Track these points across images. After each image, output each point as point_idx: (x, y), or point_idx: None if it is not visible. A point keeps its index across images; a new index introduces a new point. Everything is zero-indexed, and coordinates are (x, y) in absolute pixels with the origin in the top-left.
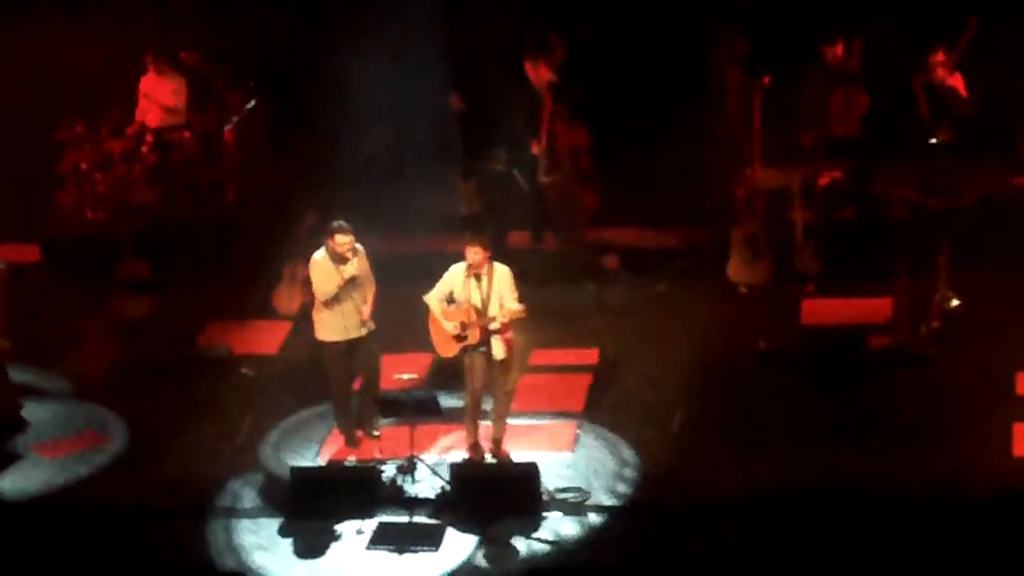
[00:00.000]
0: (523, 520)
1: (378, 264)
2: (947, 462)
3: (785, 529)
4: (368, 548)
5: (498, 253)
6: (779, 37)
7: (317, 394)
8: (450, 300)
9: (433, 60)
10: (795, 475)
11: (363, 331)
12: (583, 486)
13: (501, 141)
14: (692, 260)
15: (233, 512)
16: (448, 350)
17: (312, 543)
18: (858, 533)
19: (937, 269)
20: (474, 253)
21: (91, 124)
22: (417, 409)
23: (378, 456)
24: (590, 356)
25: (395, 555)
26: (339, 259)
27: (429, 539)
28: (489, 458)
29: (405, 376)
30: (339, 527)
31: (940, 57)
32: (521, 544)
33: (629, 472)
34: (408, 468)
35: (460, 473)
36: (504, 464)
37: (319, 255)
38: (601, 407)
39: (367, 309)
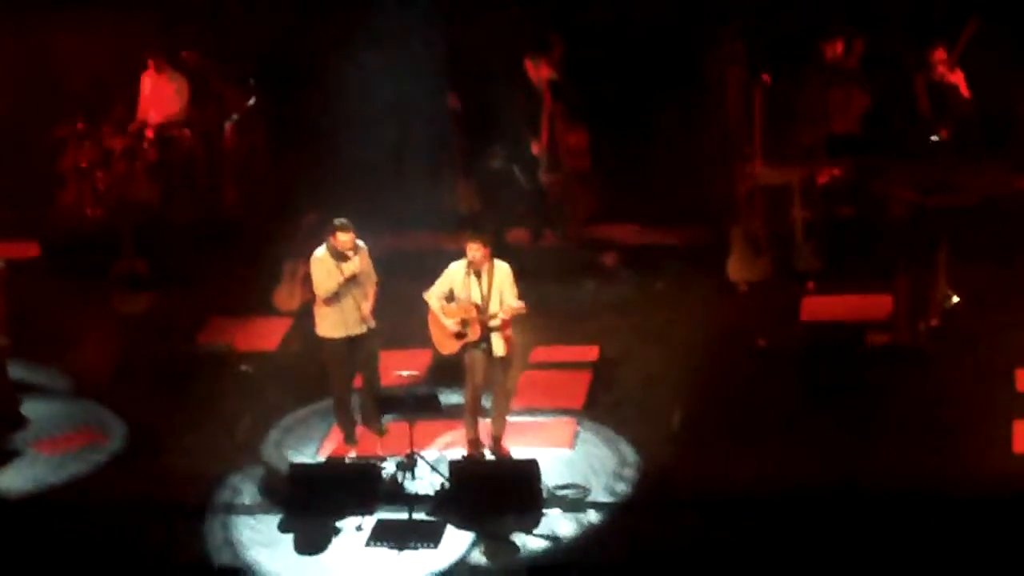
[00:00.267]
0: (523, 517)
1: (378, 261)
2: (947, 459)
3: (784, 526)
4: (367, 545)
5: (498, 251)
6: (779, 35)
7: (317, 391)
8: (450, 297)
9: (432, 59)
10: (795, 472)
11: (363, 328)
12: (583, 483)
13: (500, 139)
14: (692, 258)
15: (233, 508)
16: (448, 347)
17: (312, 540)
18: (858, 530)
19: (937, 267)
20: (474, 250)
21: (91, 121)
22: (417, 406)
23: (378, 453)
24: (590, 353)
25: (394, 552)
26: (340, 256)
27: (428, 536)
28: (489, 455)
29: (405, 373)
30: (339, 524)
31: (941, 55)
32: (520, 541)
33: (628, 469)
34: (408, 465)
35: (460, 470)
36: (504, 461)
37: (320, 252)
38: (601, 404)
39: (367, 306)
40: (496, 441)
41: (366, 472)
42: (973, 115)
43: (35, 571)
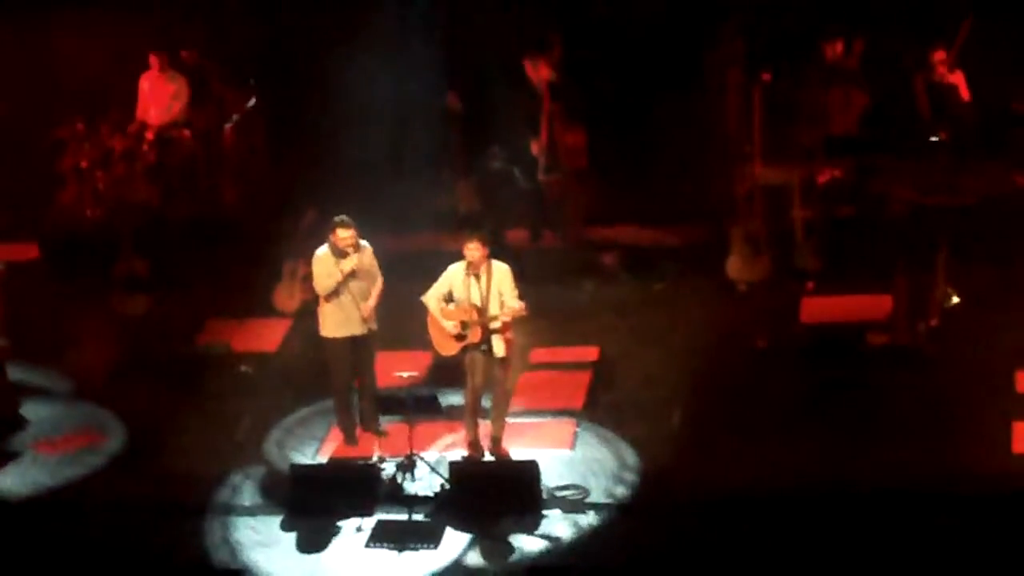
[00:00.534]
0: (522, 518)
1: (377, 261)
2: (946, 459)
3: (784, 526)
4: (367, 546)
5: (497, 251)
6: (779, 35)
7: (316, 392)
8: (449, 299)
9: (431, 59)
10: (794, 472)
11: (364, 329)
12: (582, 484)
13: (499, 139)
14: (691, 258)
15: (232, 509)
16: (448, 349)
17: (311, 540)
18: (857, 530)
19: (936, 267)
20: (472, 250)
21: (91, 122)
22: (417, 407)
23: (378, 454)
24: (589, 354)
25: (394, 553)
26: (341, 254)
27: (428, 537)
28: (488, 456)
29: (405, 374)
30: (338, 524)
31: (940, 55)
32: (520, 542)
33: (628, 470)
34: (408, 466)
35: (459, 471)
36: (503, 462)
37: (322, 251)
38: (600, 405)
39: (367, 307)
40: (496, 442)
41: (366, 473)
42: (972, 115)
43: (35, 571)
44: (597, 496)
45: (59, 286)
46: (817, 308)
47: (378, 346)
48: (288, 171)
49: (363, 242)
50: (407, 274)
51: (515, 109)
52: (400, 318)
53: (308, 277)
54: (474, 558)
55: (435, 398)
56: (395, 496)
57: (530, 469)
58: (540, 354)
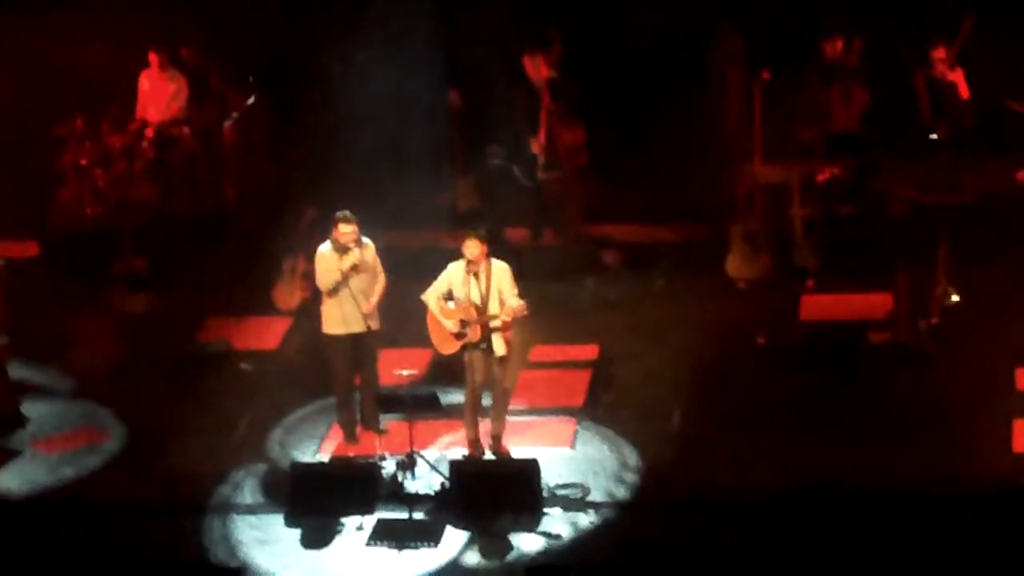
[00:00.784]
0: (523, 516)
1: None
2: (947, 458)
3: (784, 524)
4: (368, 544)
5: (497, 249)
6: (779, 33)
7: (316, 389)
8: (449, 297)
9: (431, 56)
10: (794, 471)
11: (365, 326)
12: (582, 482)
13: (499, 137)
14: (691, 256)
15: (232, 508)
16: (448, 348)
17: (312, 539)
18: (858, 528)
19: (936, 265)
20: (471, 247)
21: (91, 120)
22: (416, 405)
23: (379, 452)
24: (589, 352)
25: (394, 551)
26: (343, 250)
27: (428, 535)
28: (489, 454)
29: (405, 372)
30: (339, 523)
31: (941, 53)
32: (520, 540)
33: (628, 468)
34: (408, 464)
35: (460, 469)
36: (504, 460)
37: (324, 247)
38: (600, 403)
39: (367, 304)
40: (496, 440)
41: (367, 471)
42: (972, 113)
43: (35, 571)
44: (597, 494)
45: (59, 284)
46: (817, 306)
47: (380, 344)
48: (288, 169)
49: (365, 239)
50: (407, 272)
51: (515, 107)
52: (400, 316)
53: (308, 275)
54: (474, 556)
55: (435, 396)
56: (396, 494)
57: (530, 467)
58: (540, 352)
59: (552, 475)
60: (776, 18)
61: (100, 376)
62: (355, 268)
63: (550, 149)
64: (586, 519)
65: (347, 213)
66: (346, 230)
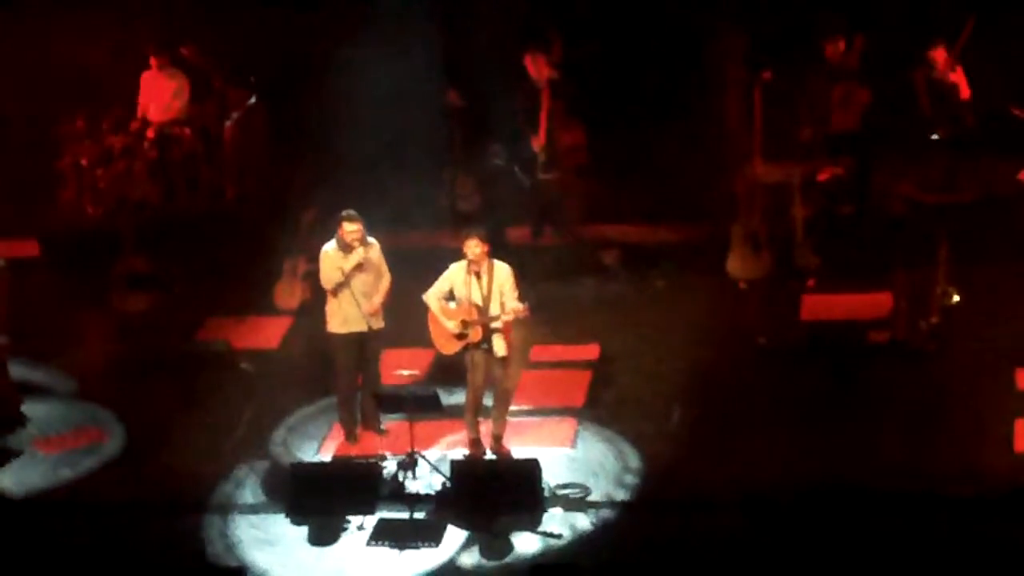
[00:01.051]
0: (524, 516)
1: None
2: (947, 458)
3: (784, 524)
4: (368, 544)
5: (497, 249)
6: (779, 32)
7: (317, 389)
8: (450, 297)
9: (432, 56)
10: (794, 470)
11: (367, 325)
12: (583, 482)
13: (499, 137)
14: (692, 256)
15: (233, 507)
16: (449, 348)
17: (312, 539)
18: (858, 528)
19: (937, 264)
20: (473, 247)
21: (91, 119)
22: (417, 405)
23: (381, 452)
24: (590, 352)
25: (395, 551)
26: (348, 248)
27: (429, 535)
28: (490, 454)
29: (406, 372)
30: (340, 523)
31: (941, 52)
32: (522, 540)
33: (629, 468)
34: (409, 464)
35: (461, 469)
36: (504, 460)
37: (329, 246)
38: (601, 403)
39: (368, 304)
40: (497, 440)
41: (367, 471)
42: (973, 113)
43: (35, 571)
44: (598, 494)
45: (59, 284)
46: (817, 306)
47: (382, 344)
48: (288, 169)
49: (370, 238)
50: (407, 272)
51: (515, 106)
52: (401, 316)
53: (308, 275)
54: (475, 556)
55: (436, 396)
56: (396, 494)
57: (531, 467)
58: (541, 352)
59: (553, 475)
60: (777, 18)
61: (100, 376)
62: (359, 267)
63: (549, 149)
64: (587, 519)
65: (352, 212)
66: (351, 229)
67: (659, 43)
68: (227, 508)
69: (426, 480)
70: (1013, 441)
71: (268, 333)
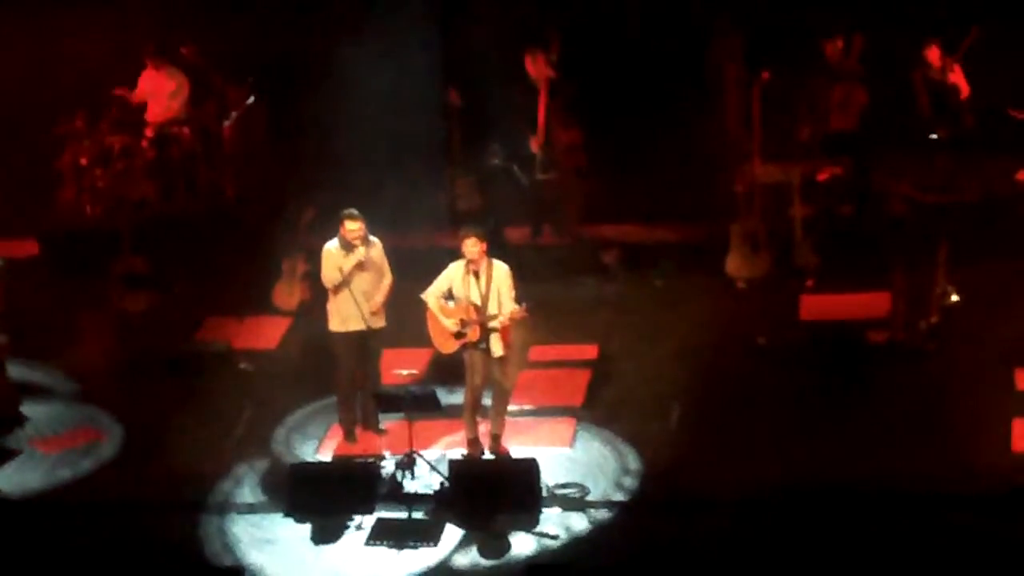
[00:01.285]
0: (522, 516)
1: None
2: (946, 458)
3: (783, 524)
4: (367, 544)
5: (496, 248)
6: (778, 32)
7: (316, 389)
8: (449, 297)
9: (431, 55)
10: (793, 470)
11: (366, 324)
12: (582, 482)
13: (498, 136)
14: (691, 255)
15: (232, 507)
16: (447, 347)
17: (311, 538)
18: (857, 528)
19: (936, 264)
20: (471, 245)
21: (90, 119)
22: (415, 405)
23: (379, 452)
24: (589, 351)
25: (393, 551)
26: (349, 247)
27: (428, 535)
28: (488, 454)
29: (404, 372)
30: (338, 523)
31: (934, 51)
32: (520, 540)
33: (628, 468)
34: (407, 464)
35: (459, 469)
36: (503, 460)
37: (331, 244)
38: (600, 403)
39: (368, 305)
40: (495, 440)
41: (366, 471)
42: (972, 113)
43: (34, 571)
44: (596, 494)
45: (58, 283)
46: (817, 306)
47: (382, 343)
48: (287, 168)
49: (373, 238)
50: (406, 271)
51: (514, 106)
52: (400, 315)
53: (308, 275)
54: (473, 556)
55: (434, 396)
56: (395, 494)
57: (529, 467)
58: (539, 352)
59: (551, 475)
60: (776, 18)
61: (99, 376)
62: (360, 266)
63: (548, 149)
64: (585, 519)
65: (353, 211)
66: (352, 227)
67: (658, 43)
68: (226, 508)
69: (425, 480)
70: (1011, 441)
71: (267, 333)
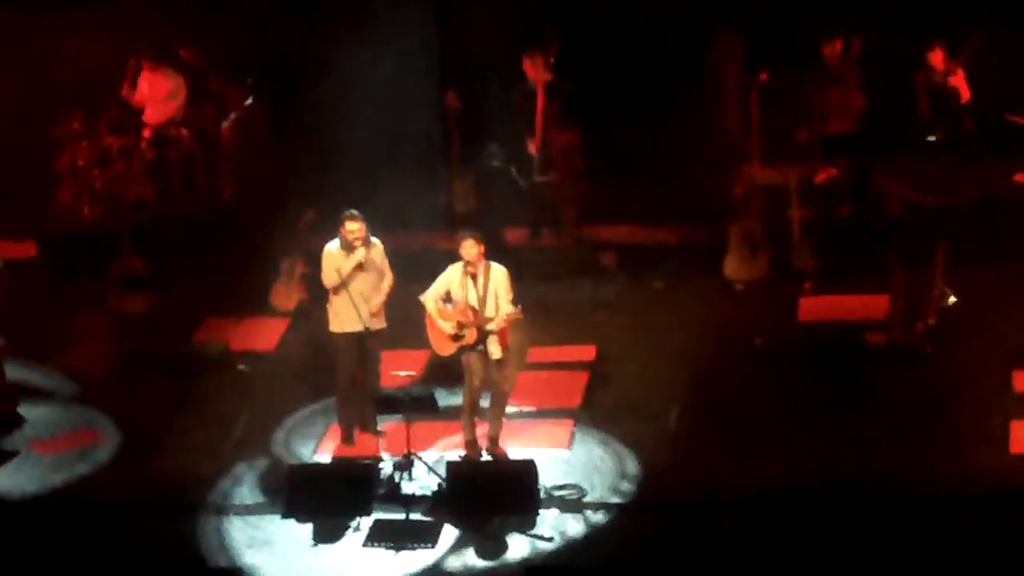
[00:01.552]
0: (520, 517)
1: None
2: (944, 459)
3: (782, 526)
4: (364, 545)
5: (495, 250)
6: (776, 34)
7: (314, 390)
8: (447, 299)
9: (429, 57)
10: (792, 472)
11: (365, 326)
12: (580, 484)
13: (497, 138)
14: (689, 257)
15: (229, 508)
16: (445, 349)
17: (309, 539)
18: (855, 530)
19: (934, 266)
20: (469, 247)
21: (89, 120)
22: (414, 406)
23: (377, 453)
24: (587, 353)
25: (391, 552)
26: (350, 248)
27: (425, 536)
28: (486, 456)
29: (403, 373)
30: (336, 524)
31: (938, 54)
32: (518, 541)
33: (625, 470)
34: (405, 465)
35: (457, 470)
36: (501, 462)
37: (332, 244)
38: (598, 404)
39: (374, 303)
40: (493, 441)
41: (363, 472)
42: (971, 116)
43: (33, 571)
44: (594, 496)
45: (57, 284)
46: (815, 307)
47: (382, 345)
48: (286, 170)
49: (374, 239)
50: (405, 273)
51: (512, 108)
52: (398, 317)
53: (306, 276)
54: (471, 558)
55: (432, 397)
56: (392, 495)
57: (527, 469)
58: (537, 353)
59: (549, 476)
60: (774, 19)
61: (97, 377)
62: (359, 267)
63: (546, 150)
64: (583, 520)
65: (354, 212)
66: (353, 228)
67: (656, 44)
68: (223, 509)
69: (422, 481)
70: (1009, 442)
71: (265, 334)
